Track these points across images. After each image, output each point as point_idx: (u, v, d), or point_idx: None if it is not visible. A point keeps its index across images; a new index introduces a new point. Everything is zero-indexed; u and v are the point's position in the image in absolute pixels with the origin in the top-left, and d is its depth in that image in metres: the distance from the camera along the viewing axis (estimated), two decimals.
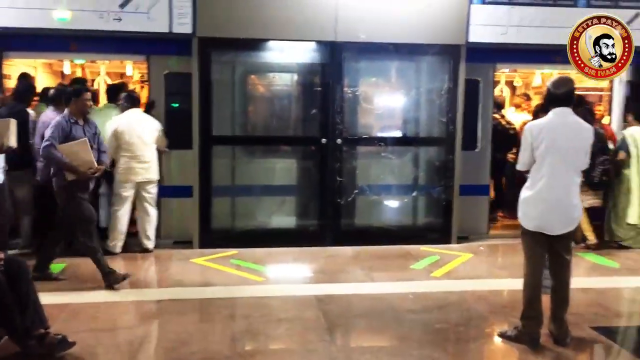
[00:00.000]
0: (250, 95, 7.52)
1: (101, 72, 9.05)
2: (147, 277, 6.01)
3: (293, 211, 7.41)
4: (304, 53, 7.05)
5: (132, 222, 6.65)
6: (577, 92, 4.44)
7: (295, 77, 7.41)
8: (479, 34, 6.93)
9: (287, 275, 6.22)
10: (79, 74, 9.01)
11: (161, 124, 6.69)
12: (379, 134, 7.39)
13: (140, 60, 7.52)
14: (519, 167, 4.31)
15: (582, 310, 4.87)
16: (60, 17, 6.29)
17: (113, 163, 6.33)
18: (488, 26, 6.96)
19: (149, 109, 6.85)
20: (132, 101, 6.54)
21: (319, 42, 6.87)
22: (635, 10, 7.03)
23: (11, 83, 7.13)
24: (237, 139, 7.25)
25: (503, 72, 9.38)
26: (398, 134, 7.51)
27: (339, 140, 6.93)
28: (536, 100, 9.12)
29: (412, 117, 7.43)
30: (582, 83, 8.81)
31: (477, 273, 6.14)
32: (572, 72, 7.45)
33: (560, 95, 4.15)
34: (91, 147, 5.25)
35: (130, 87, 8.68)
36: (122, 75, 9.53)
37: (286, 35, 6.72)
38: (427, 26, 6.83)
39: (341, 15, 6.70)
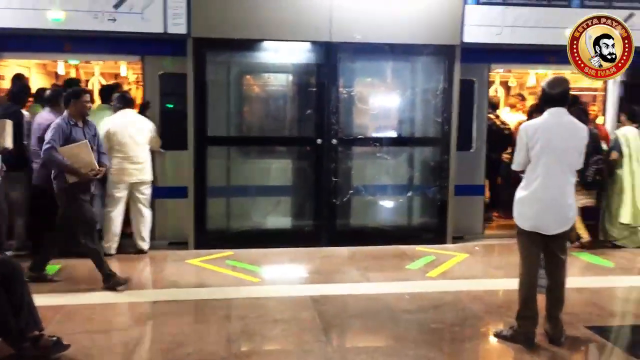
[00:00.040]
0: (245, 95, 7.52)
1: (95, 72, 9.02)
2: (142, 278, 5.99)
3: (288, 212, 7.41)
4: (299, 53, 7.05)
5: (127, 223, 6.63)
6: (571, 92, 4.45)
7: (291, 77, 7.41)
8: (474, 35, 6.95)
9: (282, 275, 6.22)
10: (73, 74, 8.98)
11: (156, 125, 6.68)
12: (374, 135, 7.40)
13: (134, 61, 7.50)
14: (514, 167, 4.33)
15: (577, 310, 4.89)
16: (55, 18, 6.27)
17: None
18: (482, 26, 6.98)
19: (144, 109, 6.83)
20: (125, 102, 6.52)
21: (314, 43, 6.87)
22: (630, 11, 7.06)
23: (5, 84, 7.11)
24: (232, 139, 7.24)
25: (498, 73, 9.41)
26: (393, 134, 7.51)
27: (334, 141, 6.93)
28: (531, 101, 9.15)
29: (407, 117, 7.44)
30: (577, 83, 8.85)
31: (473, 273, 6.15)
32: (566, 72, 7.52)
33: (555, 96, 4.17)
34: (91, 148, 5.24)
35: (128, 87, 8.68)
36: (117, 75, 9.50)
37: (281, 35, 6.72)
38: (422, 26, 6.84)
39: (336, 15, 6.70)
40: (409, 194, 7.45)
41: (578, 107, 6.55)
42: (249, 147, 7.41)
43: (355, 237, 7.09)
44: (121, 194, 6.42)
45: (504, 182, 8.34)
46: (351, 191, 7.14)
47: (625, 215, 7.12)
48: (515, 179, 4.59)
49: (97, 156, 5.34)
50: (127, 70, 9.23)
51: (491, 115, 7.88)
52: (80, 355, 3.96)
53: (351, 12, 6.72)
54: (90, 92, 7.85)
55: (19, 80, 6.94)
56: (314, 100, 6.99)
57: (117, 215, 6.43)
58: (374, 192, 7.30)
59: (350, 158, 7.20)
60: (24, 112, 6.35)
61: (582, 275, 6.06)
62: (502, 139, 8.07)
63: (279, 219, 7.31)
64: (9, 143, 5.31)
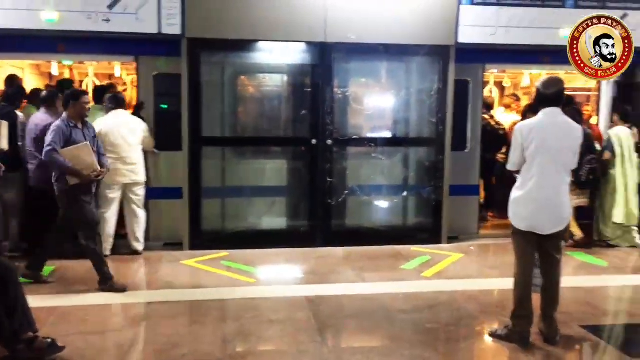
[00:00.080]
0: (240, 96, 7.51)
1: (89, 73, 8.99)
2: (137, 279, 5.97)
3: (284, 212, 7.40)
4: (294, 54, 7.04)
5: (121, 224, 6.61)
6: (566, 93, 4.46)
7: (285, 78, 7.40)
8: (468, 35, 6.96)
9: (278, 276, 6.21)
10: (67, 75, 8.95)
11: (150, 126, 6.67)
12: (369, 135, 7.40)
13: (129, 62, 7.48)
14: (510, 167, 4.33)
15: (572, 309, 4.90)
16: (48, 18, 6.25)
17: None
18: (477, 27, 6.99)
19: (138, 110, 6.81)
20: (117, 102, 6.49)
21: (308, 43, 6.87)
22: (624, 11, 7.09)
23: None
24: (227, 140, 7.23)
25: (492, 73, 9.43)
26: (388, 134, 7.52)
27: (329, 141, 6.93)
28: (525, 101, 9.18)
29: (402, 117, 7.45)
30: (571, 83, 8.89)
31: (468, 273, 6.16)
32: (560, 73, 7.55)
33: (550, 96, 4.18)
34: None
35: (123, 88, 8.63)
36: (111, 76, 9.48)
37: (276, 36, 6.72)
38: (416, 27, 6.85)
39: (330, 16, 6.70)
40: (404, 194, 7.46)
41: (572, 108, 6.58)
42: (243, 148, 7.39)
43: (351, 237, 7.09)
44: (114, 195, 6.40)
45: (498, 182, 8.37)
46: (346, 191, 7.15)
47: (618, 215, 7.16)
48: (509, 179, 4.60)
49: (97, 157, 5.32)
50: (121, 71, 9.21)
51: (486, 116, 7.90)
52: (75, 357, 3.95)
53: (346, 12, 6.73)
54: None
55: (14, 82, 6.90)
56: (308, 100, 6.99)
57: (110, 217, 6.41)
58: (369, 192, 7.30)
59: (345, 158, 7.20)
60: (18, 113, 6.32)
61: (576, 275, 6.08)
62: (496, 139, 8.09)
63: (274, 220, 7.31)
64: (4, 144, 5.29)
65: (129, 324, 4.71)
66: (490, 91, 9.78)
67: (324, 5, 6.67)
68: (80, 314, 4.77)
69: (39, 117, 6.05)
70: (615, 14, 6.94)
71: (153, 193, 6.82)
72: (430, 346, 4.29)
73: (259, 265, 6.28)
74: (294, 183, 7.34)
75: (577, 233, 7.15)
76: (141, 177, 6.51)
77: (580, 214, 7.15)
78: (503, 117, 8.90)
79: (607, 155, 7.14)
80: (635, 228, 7.30)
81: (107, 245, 6.40)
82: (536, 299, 4.31)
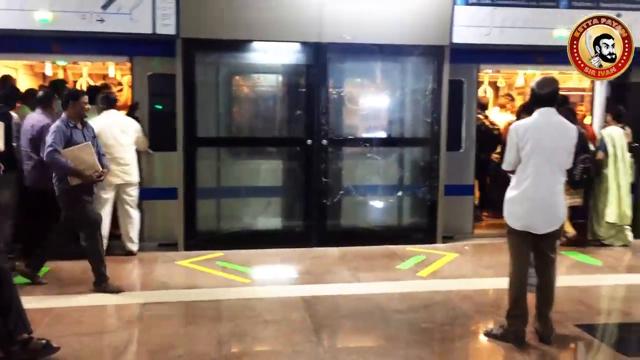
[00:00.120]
0: (234, 96, 7.50)
1: (83, 73, 8.96)
2: (131, 280, 5.95)
3: (279, 212, 7.40)
4: (289, 54, 7.04)
5: (115, 224, 6.58)
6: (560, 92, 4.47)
7: (280, 78, 7.40)
8: (463, 35, 6.98)
9: (273, 276, 6.21)
10: (61, 75, 8.92)
11: (145, 126, 6.66)
12: (364, 135, 7.41)
13: (123, 62, 7.46)
14: (505, 166, 4.34)
15: (566, 308, 4.92)
16: (42, 18, 6.23)
17: None
18: (471, 27, 7.01)
19: (133, 110, 6.80)
20: (109, 102, 6.46)
21: (303, 43, 6.87)
22: (617, 11, 7.11)
23: None
24: (222, 140, 7.22)
25: (486, 73, 9.45)
26: (383, 134, 7.53)
27: (324, 141, 6.94)
28: (519, 101, 9.21)
29: (397, 117, 7.45)
30: (565, 83, 8.92)
31: (463, 272, 6.17)
32: (554, 73, 7.57)
33: (545, 96, 4.19)
34: None
35: (119, 88, 8.60)
36: (105, 76, 9.45)
37: (270, 36, 6.71)
38: (411, 27, 6.86)
39: (325, 16, 6.71)
40: (399, 194, 7.47)
41: (566, 107, 6.59)
42: (238, 148, 7.39)
43: (346, 237, 7.09)
44: (107, 195, 6.37)
45: (492, 182, 8.39)
46: (341, 191, 7.15)
47: (611, 215, 7.19)
48: (504, 179, 4.61)
49: (98, 157, 5.30)
50: (116, 71, 9.18)
51: (480, 116, 7.92)
52: (69, 358, 3.93)
53: (340, 12, 6.73)
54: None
55: (7, 82, 6.87)
56: (303, 100, 6.99)
57: (104, 217, 6.36)
58: (364, 192, 7.31)
59: (340, 158, 7.21)
60: (13, 114, 6.29)
61: (570, 274, 6.10)
62: (491, 139, 8.11)
63: (270, 220, 7.30)
64: (0, 145, 5.27)
65: (123, 325, 4.70)
66: (485, 91, 9.81)
67: (318, 5, 6.67)
68: (75, 315, 4.75)
69: (35, 117, 6.02)
70: (609, 14, 7.00)
71: (148, 193, 6.81)
72: (425, 346, 4.30)
73: (254, 265, 6.28)
74: (289, 183, 7.33)
75: (570, 230, 7.19)
76: (134, 177, 6.49)
77: (575, 213, 7.18)
78: (498, 117, 8.92)
79: (600, 155, 7.17)
80: (628, 227, 7.34)
81: None
82: (531, 298, 4.32)
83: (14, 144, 6.10)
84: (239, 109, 7.54)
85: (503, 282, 4.43)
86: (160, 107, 6.83)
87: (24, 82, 8.42)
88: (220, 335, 4.39)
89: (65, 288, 5.37)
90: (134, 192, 6.52)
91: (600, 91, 7.82)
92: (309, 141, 6.93)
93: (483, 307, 5.16)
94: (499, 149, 8.31)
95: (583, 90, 9.38)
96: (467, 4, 6.99)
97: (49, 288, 5.37)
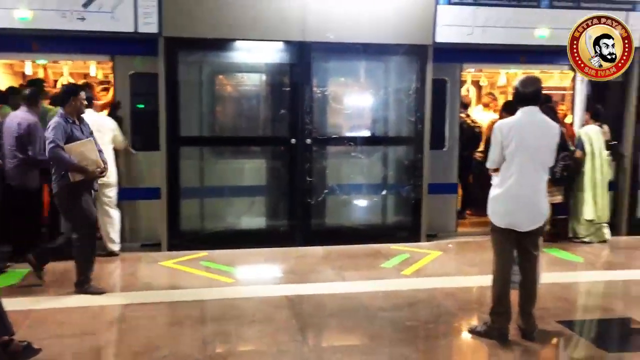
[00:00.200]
0: (218, 95, 7.46)
1: (64, 72, 8.85)
2: (114, 281, 5.89)
3: (263, 212, 7.38)
4: (272, 53, 7.02)
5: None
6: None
7: (264, 77, 7.38)
8: (446, 35, 7.02)
9: (257, 276, 6.19)
10: (41, 74, 8.80)
11: (127, 125, 6.60)
12: (349, 134, 7.42)
13: (105, 61, 7.38)
14: (489, 165, 4.37)
15: (549, 305, 4.98)
16: (22, 17, 6.15)
17: None
18: (454, 26, 7.05)
19: (115, 109, 6.73)
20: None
21: (287, 42, 6.86)
22: (596, 12, 7.20)
23: None
24: (205, 139, 7.18)
25: (469, 72, 9.52)
26: (367, 133, 7.54)
27: (308, 140, 6.93)
28: (502, 100, 9.27)
29: (381, 116, 7.47)
30: (546, 82, 9.01)
31: (446, 270, 6.21)
32: (536, 72, 7.66)
33: (528, 94, 4.22)
34: None
35: (105, 87, 8.48)
36: (86, 75, 9.34)
37: (254, 35, 6.69)
38: (394, 26, 6.88)
39: (309, 15, 6.70)
40: (383, 193, 7.49)
41: (546, 106, 6.66)
42: (222, 148, 7.34)
43: (330, 236, 7.10)
44: None
45: (475, 181, 8.45)
46: (326, 191, 7.15)
47: (588, 212, 7.29)
48: (487, 177, 4.64)
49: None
50: (97, 70, 9.08)
51: (462, 115, 7.97)
52: None
53: (324, 11, 6.73)
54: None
55: None
56: (287, 100, 6.98)
57: None
58: (349, 191, 7.32)
59: (324, 157, 7.20)
60: None
61: (552, 271, 6.16)
62: (472, 137, 8.17)
63: (254, 219, 7.28)
64: None
65: (106, 327, 4.65)
66: (468, 90, 9.87)
67: (302, 4, 6.67)
68: (57, 316, 4.70)
69: (20, 115, 5.96)
70: (589, 14, 7.09)
71: (131, 193, 6.75)
72: (410, 344, 4.31)
73: (238, 265, 6.25)
74: (273, 182, 7.32)
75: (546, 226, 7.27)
76: (112, 177, 6.38)
77: (555, 209, 7.25)
78: (481, 115, 8.99)
79: (578, 153, 7.26)
80: (606, 224, 7.45)
81: None
82: (514, 295, 4.36)
83: None
84: (222, 108, 7.51)
85: (487, 280, 4.46)
86: (142, 106, 6.77)
87: (3, 81, 8.29)
88: (204, 336, 4.37)
89: (46, 289, 5.31)
90: (111, 193, 6.44)
91: (582, 90, 7.91)
92: (293, 140, 6.92)
93: (467, 304, 5.19)
94: (481, 147, 8.37)
95: (564, 89, 9.48)
96: (450, 3, 7.02)
97: (30, 289, 5.30)
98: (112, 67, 6.84)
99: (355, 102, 7.56)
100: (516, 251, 4.34)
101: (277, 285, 5.76)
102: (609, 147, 7.43)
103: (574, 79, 7.94)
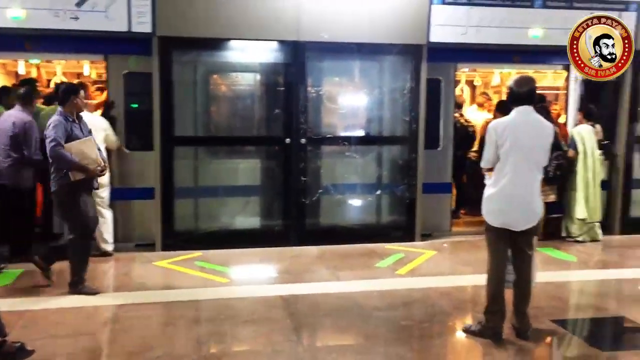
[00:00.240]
0: (212, 95, 7.45)
1: (57, 72, 8.82)
2: (108, 281, 5.87)
3: (257, 211, 7.37)
4: (267, 53, 7.02)
5: None
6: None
7: (258, 76, 7.36)
8: (440, 34, 7.03)
9: (252, 276, 6.18)
10: (34, 74, 8.76)
11: (121, 125, 6.58)
12: (343, 134, 7.42)
13: (98, 60, 7.35)
14: (483, 164, 4.38)
15: (543, 304, 4.99)
16: (14, 16, 6.11)
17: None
18: (448, 26, 7.06)
19: (108, 109, 6.71)
20: None
21: (281, 42, 6.85)
22: (590, 11, 7.22)
23: None
24: (199, 139, 7.17)
25: (463, 72, 9.54)
26: (362, 133, 7.55)
27: (303, 140, 6.93)
28: (496, 99, 9.29)
29: (375, 116, 7.48)
30: (539, 82, 9.04)
31: (441, 270, 6.22)
32: (529, 71, 7.68)
33: (523, 94, 4.24)
34: None
35: (100, 87, 8.44)
36: (80, 75, 9.30)
37: (248, 34, 6.68)
38: (389, 26, 6.89)
39: (303, 14, 6.70)
40: (378, 192, 7.49)
41: (540, 105, 6.68)
42: (216, 147, 7.33)
43: (325, 236, 7.09)
44: None
45: (469, 180, 8.47)
46: (320, 190, 7.15)
47: (580, 211, 7.32)
48: (481, 176, 4.65)
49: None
50: (90, 70, 9.05)
51: (456, 114, 7.99)
52: None
53: (318, 11, 6.73)
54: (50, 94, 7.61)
55: None
56: (282, 99, 6.97)
57: None
58: (343, 191, 7.32)
59: (319, 157, 7.20)
60: None
61: (546, 270, 6.18)
62: (466, 137, 8.18)
63: (248, 219, 7.27)
64: None
65: (100, 327, 4.63)
66: (462, 90, 9.90)
67: (296, 4, 6.66)
68: (50, 317, 4.68)
69: (15, 114, 5.93)
70: (582, 14, 7.10)
71: (125, 193, 6.73)
72: (404, 343, 4.32)
73: (233, 265, 6.25)
74: (267, 182, 7.31)
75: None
76: (104, 178, 6.34)
77: (549, 208, 7.27)
78: (475, 115, 9.01)
79: (571, 153, 7.29)
80: (598, 224, 7.48)
81: None
82: (508, 294, 4.37)
83: None
84: (216, 107, 7.49)
85: (481, 279, 4.48)
86: (136, 106, 6.75)
87: None
88: (199, 336, 4.36)
89: (40, 290, 5.28)
90: (104, 193, 6.41)
91: (575, 90, 7.94)
92: (288, 140, 6.92)
93: (461, 303, 5.21)
94: (475, 147, 8.39)
95: (557, 89, 9.51)
96: (444, 3, 7.03)
97: (24, 290, 5.28)
98: (106, 66, 6.81)
99: (349, 102, 7.56)
100: (510, 250, 4.35)
101: (271, 285, 5.75)
102: (601, 146, 7.47)
103: (567, 79, 7.98)
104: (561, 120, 8.24)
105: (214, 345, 4.29)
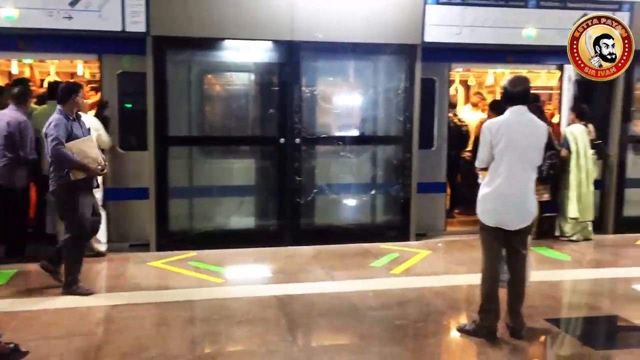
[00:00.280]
0: (207, 95, 7.43)
1: (51, 71, 8.78)
2: (102, 281, 5.85)
3: (252, 211, 7.36)
4: (261, 52, 7.01)
5: None
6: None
7: (253, 76, 7.36)
8: (434, 34, 7.04)
9: (247, 276, 6.18)
10: (27, 74, 8.73)
11: (115, 125, 6.56)
12: (338, 133, 7.42)
13: (92, 60, 7.33)
14: (478, 164, 4.39)
15: (537, 303, 5.01)
16: (7, 15, 6.08)
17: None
18: (442, 26, 7.07)
19: (102, 109, 6.68)
20: None
21: (275, 42, 6.84)
22: (583, 11, 7.26)
23: None
24: (194, 139, 7.15)
25: (457, 72, 9.56)
26: (356, 133, 7.55)
27: (297, 140, 6.93)
28: (490, 99, 9.32)
29: (370, 116, 7.48)
30: (533, 82, 9.08)
31: (435, 269, 6.23)
32: (523, 71, 7.71)
33: (517, 94, 4.25)
34: None
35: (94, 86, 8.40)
36: (73, 75, 9.27)
37: (242, 34, 6.67)
38: (383, 26, 6.89)
39: (297, 14, 6.69)
40: (373, 192, 7.50)
41: (534, 105, 6.70)
42: (211, 147, 7.31)
43: (320, 236, 7.09)
44: None
45: (463, 180, 8.49)
46: (315, 190, 7.15)
47: (572, 210, 7.35)
48: (475, 176, 4.66)
49: None
50: (84, 70, 9.02)
51: (449, 114, 8.00)
52: None
53: (313, 11, 6.73)
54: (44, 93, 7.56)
55: None
56: (276, 99, 6.97)
57: None
58: (338, 190, 7.32)
59: (313, 157, 7.20)
60: None
61: (540, 269, 6.20)
62: (459, 136, 8.20)
63: (243, 219, 7.26)
64: None
65: (94, 328, 4.62)
66: (456, 90, 9.92)
67: (291, 3, 6.66)
68: (44, 318, 4.66)
69: (9, 114, 5.92)
70: (576, 15, 7.14)
71: (119, 194, 6.70)
72: (399, 342, 4.33)
73: (227, 265, 6.24)
74: (262, 182, 7.30)
75: None
76: (98, 178, 6.32)
77: (543, 207, 7.30)
78: (469, 115, 9.03)
79: (564, 152, 7.32)
80: (590, 223, 7.51)
81: None
82: (502, 293, 4.38)
83: None
84: (211, 107, 7.48)
85: (475, 278, 4.49)
86: (130, 105, 6.73)
87: None
88: (193, 336, 4.35)
89: (33, 290, 5.27)
90: (98, 194, 6.37)
91: (569, 89, 7.97)
92: (282, 140, 6.91)
93: (456, 303, 5.22)
94: (469, 147, 8.41)
95: (551, 88, 9.55)
96: (438, 3, 7.04)
97: (17, 291, 5.26)
98: (100, 66, 6.78)
99: (344, 102, 7.56)
100: (505, 250, 4.36)
101: (266, 285, 5.75)
102: (593, 146, 7.50)
103: (560, 79, 8.01)
104: (555, 120, 8.28)
105: (208, 345, 4.28)
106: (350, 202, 7.45)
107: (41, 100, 7.01)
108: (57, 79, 8.81)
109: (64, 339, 4.30)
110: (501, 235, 4.27)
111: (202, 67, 7.23)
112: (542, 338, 4.55)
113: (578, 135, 7.35)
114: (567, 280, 6.02)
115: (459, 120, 8.46)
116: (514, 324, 4.37)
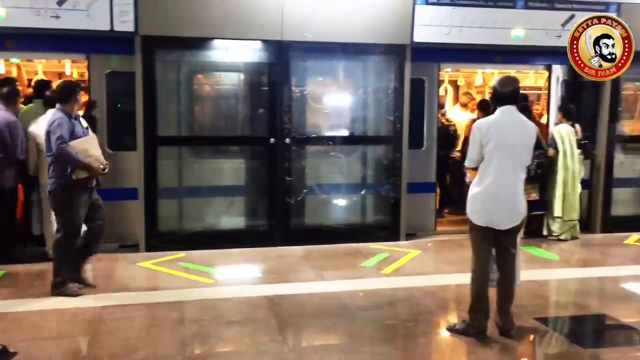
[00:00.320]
0: (196, 94, 7.41)
1: (38, 71, 8.71)
2: (91, 282, 5.79)
3: (242, 212, 7.34)
4: (251, 52, 7.00)
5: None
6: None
7: (242, 76, 7.34)
8: (423, 34, 7.06)
9: (237, 276, 6.16)
10: (14, 73, 8.64)
11: (103, 125, 6.51)
12: (328, 133, 7.42)
13: (80, 59, 7.28)
14: (468, 163, 4.40)
15: (526, 302, 5.04)
16: None
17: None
18: (432, 26, 7.10)
19: (90, 109, 6.64)
20: (52, 101, 6.26)
21: (265, 41, 6.84)
22: (570, 12, 7.32)
23: None
24: (183, 139, 7.13)
25: (447, 72, 9.60)
26: (346, 133, 7.56)
27: (287, 140, 6.92)
28: (479, 99, 9.37)
29: (359, 116, 7.49)
30: (521, 82, 9.13)
31: (425, 269, 6.26)
32: (511, 72, 7.75)
33: (506, 94, 4.27)
34: None
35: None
36: (61, 74, 9.20)
37: (232, 34, 6.65)
38: (373, 26, 6.91)
39: (287, 14, 6.69)
40: (363, 192, 7.51)
41: (522, 105, 6.74)
42: (200, 147, 7.29)
43: (310, 236, 7.09)
44: None
45: (453, 180, 8.52)
46: (305, 190, 7.15)
47: (558, 209, 7.41)
48: (464, 176, 4.69)
49: None
50: (72, 69, 8.95)
51: (438, 114, 8.03)
52: None
53: (302, 11, 6.72)
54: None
55: None
56: (266, 99, 6.96)
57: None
58: (328, 190, 7.32)
59: (303, 157, 7.20)
60: None
61: (528, 268, 6.24)
62: (447, 136, 8.23)
63: (233, 219, 7.24)
64: None
65: (84, 329, 4.58)
66: (445, 90, 9.95)
67: (280, 3, 6.65)
68: (33, 319, 4.62)
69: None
70: (563, 15, 7.20)
71: (108, 194, 6.63)
72: (389, 342, 4.34)
73: (217, 265, 6.22)
74: (252, 182, 7.29)
75: None
76: None
77: (531, 206, 7.34)
78: (459, 115, 9.07)
79: (551, 152, 7.38)
80: (576, 222, 7.57)
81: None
82: (492, 293, 4.40)
83: None
84: (200, 107, 7.45)
85: (465, 278, 4.51)
86: (119, 105, 6.69)
87: None
88: (183, 337, 4.34)
89: (22, 292, 5.23)
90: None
91: (557, 90, 8.03)
92: (272, 140, 6.91)
93: (445, 302, 5.24)
94: (459, 147, 8.45)
95: (539, 89, 9.61)
96: (427, 3, 7.06)
97: (5, 292, 5.20)
98: (88, 65, 6.74)
99: (334, 102, 7.56)
100: (494, 249, 4.39)
101: (256, 285, 5.73)
102: (580, 145, 7.56)
103: (549, 79, 8.07)
104: (543, 120, 8.33)
105: (198, 346, 4.26)
106: (341, 202, 7.46)
107: (28, 100, 6.95)
108: (45, 78, 8.74)
109: (53, 340, 4.27)
110: (491, 235, 4.29)
111: (191, 66, 7.21)
112: (532, 337, 4.58)
113: (565, 135, 7.41)
114: (555, 280, 6.06)
115: (447, 120, 8.50)
116: (503, 323, 4.40)
